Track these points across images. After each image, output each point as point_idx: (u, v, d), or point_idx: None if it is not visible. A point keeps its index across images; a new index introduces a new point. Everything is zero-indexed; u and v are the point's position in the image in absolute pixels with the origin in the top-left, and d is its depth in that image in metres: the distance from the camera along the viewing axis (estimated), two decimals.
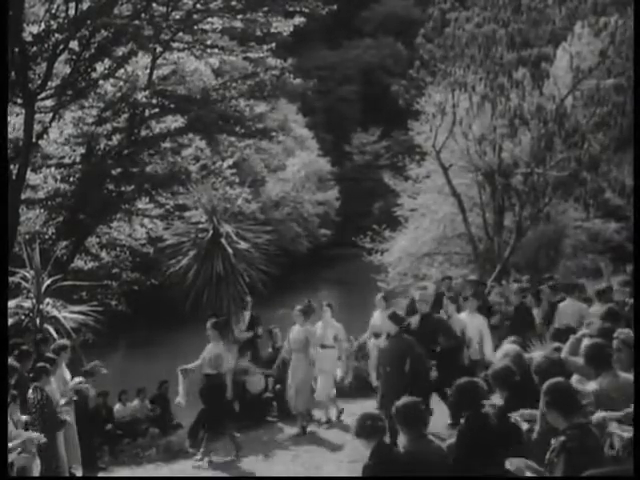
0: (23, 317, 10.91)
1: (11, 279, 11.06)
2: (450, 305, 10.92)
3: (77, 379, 9.32)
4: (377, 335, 11.49)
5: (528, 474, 4.88)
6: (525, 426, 5.41)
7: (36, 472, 7.29)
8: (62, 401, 8.59)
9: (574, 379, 5.90)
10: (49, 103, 15.62)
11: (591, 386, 5.54)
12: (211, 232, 13.43)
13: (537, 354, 7.14)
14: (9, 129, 14.45)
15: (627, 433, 4.60)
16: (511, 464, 4.97)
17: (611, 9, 14.84)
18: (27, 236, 15.17)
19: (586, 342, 5.99)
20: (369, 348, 13.10)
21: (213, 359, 10.09)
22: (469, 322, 10.81)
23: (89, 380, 9.87)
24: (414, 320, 9.97)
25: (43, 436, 7.27)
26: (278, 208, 40.37)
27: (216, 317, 11.25)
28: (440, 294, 12.97)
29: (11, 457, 6.68)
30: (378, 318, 11.62)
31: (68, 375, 9.27)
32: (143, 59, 17.02)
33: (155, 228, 18.89)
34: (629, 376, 5.55)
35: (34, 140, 15.19)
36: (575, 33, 15.83)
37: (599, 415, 5.01)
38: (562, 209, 18.89)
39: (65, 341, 9.61)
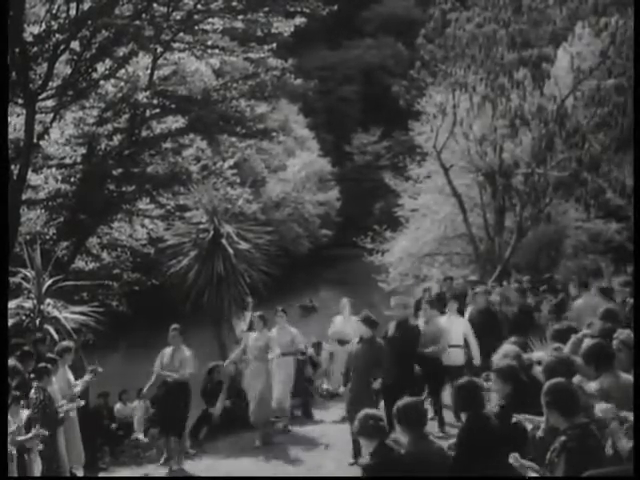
0: (24, 317, 10.91)
1: (12, 279, 11.05)
2: (429, 310, 10.49)
3: (86, 377, 9.34)
4: (342, 342, 11.33)
5: (531, 474, 4.88)
6: (529, 427, 5.41)
7: (37, 472, 7.30)
8: (64, 402, 8.59)
9: (576, 379, 5.90)
10: (50, 103, 15.62)
11: (592, 386, 5.54)
12: (212, 232, 13.46)
13: (538, 354, 7.15)
14: (10, 129, 14.44)
15: (628, 443, 4.59)
16: (515, 460, 4.96)
17: (611, 9, 14.83)
18: (28, 236, 15.17)
19: (587, 342, 5.99)
20: (323, 357, 13.07)
21: (177, 364, 9.86)
22: (449, 326, 10.48)
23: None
24: (390, 326, 9.65)
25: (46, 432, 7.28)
26: (279, 208, 40.37)
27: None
28: (442, 294, 13.01)
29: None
30: (341, 323, 11.48)
31: (71, 376, 9.28)
32: (144, 59, 17.02)
33: (156, 228, 18.88)
34: (630, 376, 5.55)
35: (35, 140, 15.19)
36: (576, 33, 15.83)
37: (602, 406, 5.00)
38: (563, 209, 18.88)
39: (69, 343, 9.60)
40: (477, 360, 10.29)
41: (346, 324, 11.45)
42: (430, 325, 10.25)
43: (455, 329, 10.53)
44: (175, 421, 9.98)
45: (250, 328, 12.62)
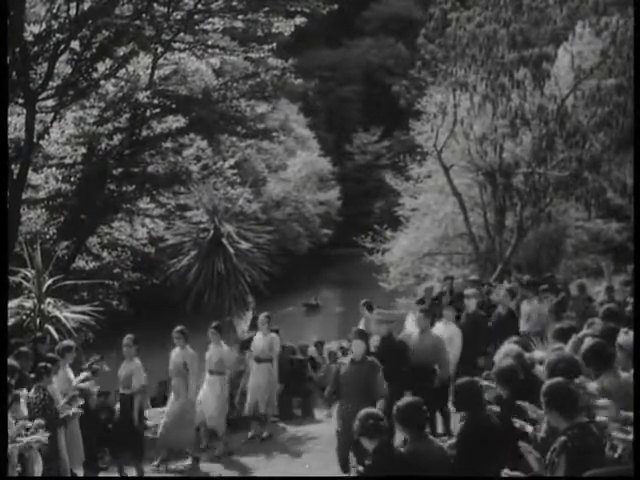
0: (24, 317, 10.91)
1: (12, 279, 11.05)
2: (423, 319, 9.57)
3: (82, 375, 9.34)
4: (259, 359, 10.85)
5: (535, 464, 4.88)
6: (530, 429, 5.40)
7: (37, 472, 7.29)
8: (63, 400, 8.59)
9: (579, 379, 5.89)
10: (50, 103, 15.60)
11: (593, 386, 5.53)
12: (212, 232, 13.46)
13: (540, 354, 7.14)
14: (10, 129, 14.44)
15: (628, 435, 4.60)
16: (525, 448, 4.96)
17: (612, 9, 14.85)
18: (28, 236, 15.16)
19: (588, 342, 5.98)
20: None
21: (125, 377, 9.71)
22: (442, 335, 9.81)
23: (91, 378, 9.85)
24: (373, 341, 8.95)
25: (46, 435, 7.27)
26: (279, 208, 40.39)
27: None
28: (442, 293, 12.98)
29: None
30: (261, 340, 10.93)
31: (72, 376, 9.29)
32: (144, 59, 16.99)
33: (156, 228, 18.88)
34: (630, 376, 5.54)
35: (35, 140, 15.18)
36: (576, 33, 15.86)
37: (604, 402, 5.00)
38: (563, 209, 18.90)
39: (70, 342, 9.60)
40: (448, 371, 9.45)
41: (262, 340, 10.90)
42: (426, 335, 9.43)
43: (446, 338, 9.83)
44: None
45: (251, 328, 12.63)
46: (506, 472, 4.98)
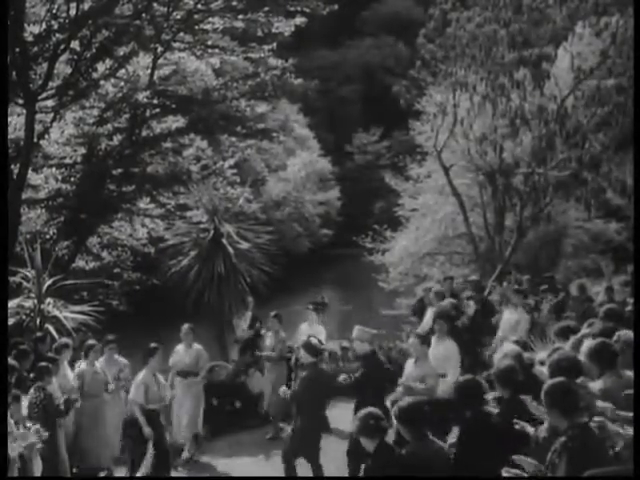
0: (24, 317, 10.93)
1: (12, 279, 11.07)
2: (419, 347, 8.45)
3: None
4: (183, 373, 10.20)
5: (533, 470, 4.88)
6: (531, 430, 5.40)
7: (37, 472, 7.29)
8: (63, 398, 8.61)
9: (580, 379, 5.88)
10: (50, 103, 15.60)
11: (595, 386, 5.53)
12: (212, 232, 13.46)
13: (541, 355, 7.14)
14: (10, 129, 14.44)
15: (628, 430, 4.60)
16: (519, 459, 4.96)
17: (612, 9, 14.84)
18: (28, 236, 15.17)
19: (590, 341, 5.96)
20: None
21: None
22: (433, 355, 8.78)
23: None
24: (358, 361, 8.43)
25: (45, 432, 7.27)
26: (279, 208, 40.36)
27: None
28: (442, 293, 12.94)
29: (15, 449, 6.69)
30: (182, 353, 10.29)
31: (70, 374, 9.30)
32: (144, 59, 17.00)
33: (156, 228, 18.87)
34: (632, 375, 5.53)
35: (35, 140, 15.18)
36: (576, 33, 15.83)
37: (604, 405, 5.00)
38: (563, 209, 18.90)
39: (67, 339, 9.65)
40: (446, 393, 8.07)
41: (186, 354, 10.32)
42: (420, 365, 8.39)
43: (438, 357, 8.84)
44: None
45: (250, 327, 12.62)
46: (507, 470, 4.98)
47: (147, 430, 8.50)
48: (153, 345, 9.09)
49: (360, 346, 8.41)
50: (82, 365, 9.44)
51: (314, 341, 8.29)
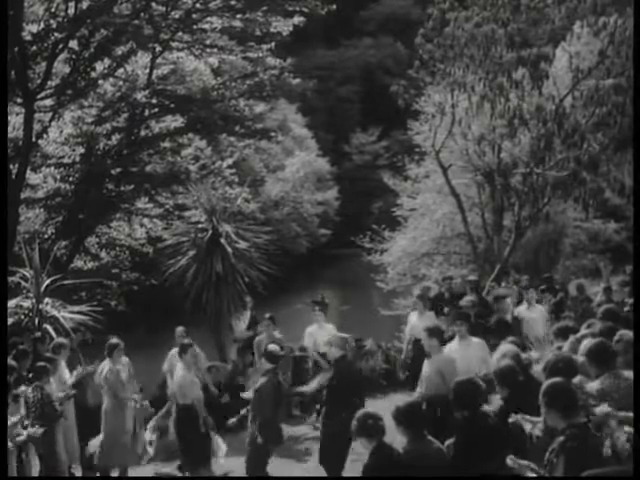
0: (23, 317, 10.91)
1: (11, 279, 11.06)
2: (430, 343, 8.17)
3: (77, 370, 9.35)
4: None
5: (529, 473, 4.88)
6: (528, 427, 5.40)
7: (36, 472, 7.30)
8: (60, 394, 8.60)
9: (576, 379, 5.88)
10: (49, 102, 15.60)
11: (593, 386, 5.53)
12: (210, 232, 13.44)
13: (533, 353, 7.15)
14: (9, 128, 14.44)
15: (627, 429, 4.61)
16: (513, 462, 4.96)
17: (610, 9, 14.84)
18: (26, 236, 15.16)
19: (589, 342, 5.96)
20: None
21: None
22: (464, 357, 8.39)
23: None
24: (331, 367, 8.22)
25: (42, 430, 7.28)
26: (277, 208, 40.37)
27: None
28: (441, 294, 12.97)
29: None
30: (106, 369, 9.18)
31: (67, 374, 9.29)
32: (142, 58, 17.00)
33: (155, 228, 18.87)
34: (631, 376, 5.52)
35: (34, 139, 15.17)
36: (574, 33, 15.85)
37: (603, 409, 5.00)
38: (561, 209, 18.93)
39: (64, 339, 9.64)
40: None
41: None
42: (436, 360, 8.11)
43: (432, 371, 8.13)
44: None
45: (249, 327, 12.62)
46: (511, 457, 4.98)
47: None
48: (187, 341, 9.14)
49: (333, 351, 8.33)
50: (107, 365, 9.20)
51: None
